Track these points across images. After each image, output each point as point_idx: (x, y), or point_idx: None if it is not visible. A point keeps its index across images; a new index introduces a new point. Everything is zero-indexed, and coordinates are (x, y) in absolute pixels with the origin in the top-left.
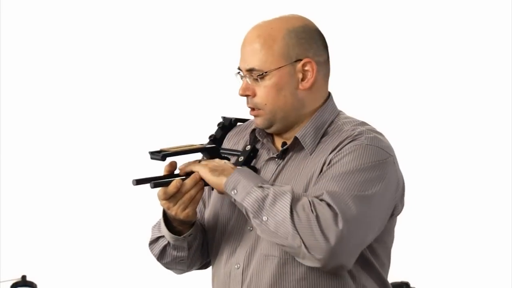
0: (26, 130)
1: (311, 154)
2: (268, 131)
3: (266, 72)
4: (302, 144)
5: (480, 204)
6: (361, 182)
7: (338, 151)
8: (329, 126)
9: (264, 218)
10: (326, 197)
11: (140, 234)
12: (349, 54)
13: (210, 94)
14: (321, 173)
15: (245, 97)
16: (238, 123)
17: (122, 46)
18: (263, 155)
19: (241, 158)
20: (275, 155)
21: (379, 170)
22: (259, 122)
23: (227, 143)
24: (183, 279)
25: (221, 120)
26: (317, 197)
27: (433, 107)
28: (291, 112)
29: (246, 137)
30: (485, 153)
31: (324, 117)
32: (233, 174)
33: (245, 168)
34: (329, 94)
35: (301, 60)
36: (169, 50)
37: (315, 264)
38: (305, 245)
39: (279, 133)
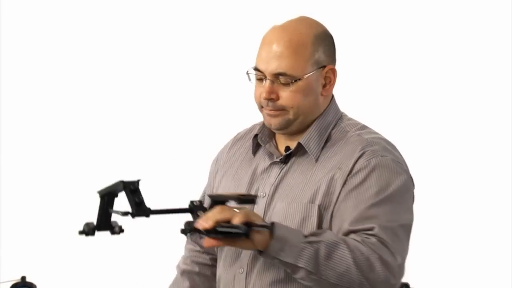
0: (26, 131)
1: (316, 161)
2: (280, 132)
3: (299, 79)
4: (307, 149)
5: (480, 205)
6: (401, 210)
7: (355, 173)
8: (332, 129)
9: (323, 273)
10: (380, 232)
11: (140, 235)
12: (350, 55)
13: (209, 96)
14: (346, 195)
15: (264, 100)
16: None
17: (122, 47)
18: (264, 160)
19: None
20: (278, 159)
21: (406, 189)
22: (276, 122)
23: (230, 151)
24: None
25: (120, 182)
26: (365, 232)
27: (432, 109)
28: (310, 116)
29: (248, 142)
30: (485, 154)
31: (328, 119)
32: (277, 234)
33: (278, 223)
34: (332, 96)
35: (325, 66)
36: (169, 53)
37: None
38: (371, 286)
39: (289, 135)
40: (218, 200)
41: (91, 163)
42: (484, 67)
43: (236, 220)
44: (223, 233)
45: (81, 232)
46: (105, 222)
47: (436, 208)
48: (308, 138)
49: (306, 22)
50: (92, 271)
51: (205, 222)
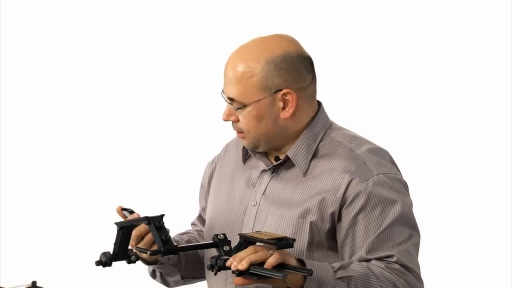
0: (27, 133)
1: (304, 175)
2: (257, 151)
3: (245, 106)
4: (294, 162)
5: (480, 205)
6: (409, 228)
7: (355, 198)
8: (321, 139)
9: None
10: (400, 259)
11: None
12: (345, 58)
13: (206, 100)
14: (353, 221)
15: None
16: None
17: (122, 48)
18: (257, 168)
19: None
20: (267, 168)
21: (407, 205)
22: (245, 143)
23: (228, 154)
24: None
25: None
26: (387, 259)
27: (430, 109)
28: (274, 138)
29: (241, 150)
30: (484, 154)
31: (316, 130)
32: (313, 276)
33: (310, 262)
34: (320, 104)
35: (281, 90)
36: (168, 54)
37: None
38: None
39: (270, 150)
40: (249, 240)
41: (100, 170)
42: (482, 66)
43: (272, 262)
44: (257, 275)
45: (98, 263)
46: (122, 252)
47: (434, 209)
48: (296, 151)
49: (265, 45)
50: (103, 277)
51: (238, 263)
